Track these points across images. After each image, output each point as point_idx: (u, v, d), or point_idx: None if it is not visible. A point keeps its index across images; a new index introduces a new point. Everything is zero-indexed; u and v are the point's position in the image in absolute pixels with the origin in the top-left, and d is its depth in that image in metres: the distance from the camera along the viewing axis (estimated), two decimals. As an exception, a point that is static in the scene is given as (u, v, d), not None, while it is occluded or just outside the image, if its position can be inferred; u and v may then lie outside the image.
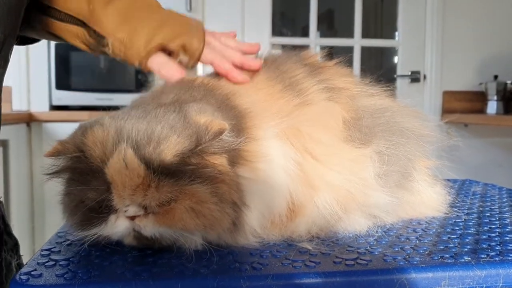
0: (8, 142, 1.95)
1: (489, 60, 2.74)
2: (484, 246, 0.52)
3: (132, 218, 0.46)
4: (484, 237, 0.56)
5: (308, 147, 0.56)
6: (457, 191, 0.84)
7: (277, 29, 2.73)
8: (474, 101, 2.75)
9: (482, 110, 2.71)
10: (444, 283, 0.45)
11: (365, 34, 2.73)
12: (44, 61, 2.26)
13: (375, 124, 0.59)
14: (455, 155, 0.71)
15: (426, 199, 0.65)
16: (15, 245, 0.68)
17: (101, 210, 0.46)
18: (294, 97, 0.58)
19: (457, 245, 0.52)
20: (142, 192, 0.45)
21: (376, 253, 0.49)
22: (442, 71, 2.72)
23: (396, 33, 2.78)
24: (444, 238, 0.55)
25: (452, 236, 0.56)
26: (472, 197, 0.80)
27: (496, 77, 2.67)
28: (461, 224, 0.62)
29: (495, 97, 2.64)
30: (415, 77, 2.73)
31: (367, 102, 0.62)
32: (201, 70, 2.43)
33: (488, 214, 0.68)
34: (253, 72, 0.63)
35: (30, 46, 2.15)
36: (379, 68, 3.01)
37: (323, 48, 2.64)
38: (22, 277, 0.43)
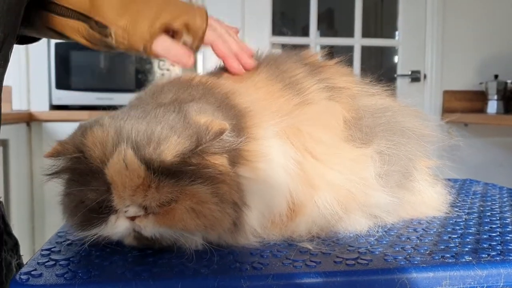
0: (8, 142, 1.95)
1: (489, 59, 2.74)
2: (485, 245, 0.52)
3: (132, 218, 0.46)
4: (485, 236, 0.56)
5: (308, 146, 0.56)
6: (458, 190, 0.84)
7: (277, 29, 2.73)
8: (474, 100, 2.75)
9: (482, 110, 2.71)
10: (445, 283, 0.45)
11: (365, 34, 2.73)
12: (44, 61, 2.26)
13: (376, 124, 0.59)
14: (455, 154, 0.70)
15: (427, 199, 0.65)
16: (15, 245, 0.68)
17: (101, 210, 0.46)
18: (294, 96, 0.58)
19: (458, 244, 0.52)
20: (143, 192, 0.44)
21: (377, 252, 0.49)
22: (442, 71, 2.72)
23: (396, 33, 2.78)
24: (445, 237, 0.55)
25: (453, 236, 0.56)
26: (473, 197, 0.80)
27: (496, 76, 2.67)
28: (462, 223, 0.62)
29: (496, 97, 2.63)
30: (415, 77, 2.73)
31: (368, 101, 0.62)
32: (201, 69, 2.41)
33: (489, 213, 0.68)
34: (245, 69, 0.63)
35: (30, 45, 2.14)
36: (379, 68, 3.00)
37: (323, 47, 2.64)
38: (22, 277, 0.42)
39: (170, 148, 0.45)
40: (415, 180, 0.62)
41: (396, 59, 2.81)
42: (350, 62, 0.68)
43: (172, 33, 0.62)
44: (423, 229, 0.59)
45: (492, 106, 2.64)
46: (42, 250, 0.50)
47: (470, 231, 0.58)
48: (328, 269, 0.44)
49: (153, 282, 0.41)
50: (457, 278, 0.45)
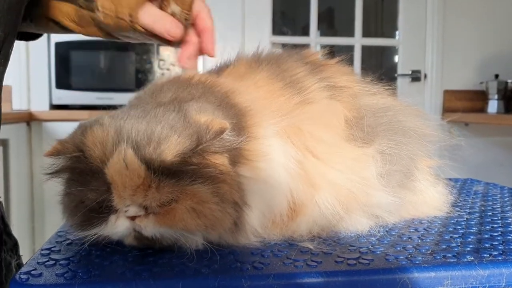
0: (8, 142, 1.95)
1: (490, 59, 2.74)
2: (486, 245, 0.52)
3: (133, 218, 0.46)
4: (487, 236, 0.55)
5: (309, 145, 0.55)
6: (459, 190, 0.84)
7: (278, 28, 2.73)
8: (475, 100, 2.75)
9: (482, 109, 2.71)
10: (447, 283, 0.44)
11: (366, 33, 2.73)
12: (44, 60, 2.26)
13: (377, 123, 0.59)
14: (456, 154, 0.70)
15: (428, 198, 0.64)
16: (15, 245, 0.68)
17: (101, 210, 0.46)
18: (295, 95, 0.58)
19: (459, 244, 0.52)
20: (143, 192, 0.44)
21: (378, 252, 0.49)
22: (442, 70, 2.72)
23: (397, 32, 2.78)
24: (446, 237, 0.55)
25: (454, 236, 0.56)
26: (474, 197, 0.80)
27: (497, 76, 2.67)
28: (463, 223, 0.62)
29: (496, 96, 2.64)
30: (415, 76, 2.73)
31: (369, 101, 0.62)
32: (200, 68, 2.42)
33: (490, 213, 0.68)
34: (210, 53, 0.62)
35: (30, 45, 2.13)
36: (380, 67, 3.00)
37: (323, 47, 2.64)
38: (22, 276, 0.42)
39: (171, 148, 0.45)
40: (417, 180, 0.62)
41: (396, 58, 2.81)
42: (350, 62, 0.68)
43: (160, 3, 0.60)
44: (424, 229, 0.59)
45: (493, 105, 2.64)
46: (42, 249, 0.50)
47: (472, 230, 0.58)
48: (329, 269, 0.44)
49: (153, 281, 0.41)
50: (459, 278, 0.45)
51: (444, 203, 0.67)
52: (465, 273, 0.45)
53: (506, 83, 2.64)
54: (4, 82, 0.62)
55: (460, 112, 2.55)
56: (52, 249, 0.50)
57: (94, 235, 0.47)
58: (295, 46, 0.72)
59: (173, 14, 0.59)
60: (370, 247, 0.51)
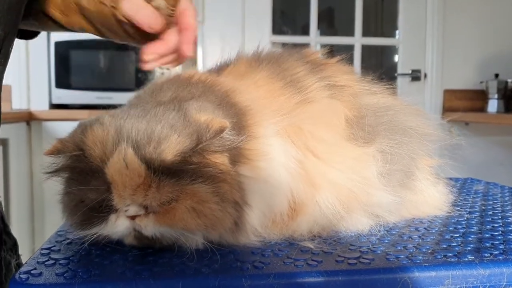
0: (8, 141, 1.95)
1: (490, 58, 2.74)
2: (487, 245, 0.52)
3: (133, 217, 0.46)
4: (487, 235, 0.55)
5: (309, 145, 0.55)
6: (459, 189, 0.84)
7: (277, 28, 2.72)
8: (475, 99, 2.75)
9: (483, 109, 2.71)
10: (448, 282, 0.44)
11: (366, 33, 2.72)
12: (44, 60, 2.26)
13: (378, 123, 0.59)
14: (456, 153, 0.70)
15: (429, 198, 0.64)
16: (14, 244, 0.67)
17: (101, 209, 0.46)
18: (295, 95, 0.58)
19: (460, 244, 0.52)
20: (143, 192, 0.44)
21: (379, 252, 0.49)
22: (442, 70, 2.72)
23: (397, 32, 2.78)
24: (447, 237, 0.55)
25: (455, 235, 0.55)
26: (474, 196, 0.80)
27: (497, 75, 2.67)
28: (463, 223, 0.62)
29: (496, 96, 2.63)
30: (415, 76, 2.73)
31: (370, 100, 0.62)
32: (200, 66, 2.41)
33: (491, 212, 0.68)
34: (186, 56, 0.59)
35: (30, 44, 2.13)
36: (380, 67, 3.00)
37: (323, 46, 2.64)
38: (22, 276, 0.42)
39: (171, 147, 0.45)
40: (417, 179, 0.62)
41: (396, 58, 2.81)
42: (350, 61, 0.68)
43: None
44: (425, 228, 0.58)
45: (493, 105, 2.64)
46: (42, 249, 0.50)
47: (472, 230, 0.58)
48: (329, 268, 0.44)
49: (153, 281, 0.41)
50: (460, 278, 0.45)
51: (444, 203, 0.67)
52: (466, 273, 0.45)
53: (506, 82, 2.64)
54: (4, 82, 0.62)
55: (460, 112, 2.55)
56: (52, 248, 0.50)
57: (94, 234, 0.47)
58: (295, 45, 0.72)
59: (157, 8, 0.58)
60: (370, 246, 0.51)
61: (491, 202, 0.75)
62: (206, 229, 0.46)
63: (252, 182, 0.50)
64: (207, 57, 2.48)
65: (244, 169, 0.49)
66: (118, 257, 0.47)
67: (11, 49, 0.60)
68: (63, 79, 2.27)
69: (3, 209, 0.68)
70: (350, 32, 2.69)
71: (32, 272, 0.43)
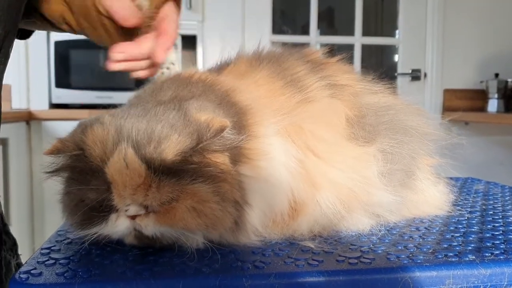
0: (7, 141, 1.95)
1: (490, 58, 2.74)
2: (488, 244, 0.52)
3: (133, 217, 0.46)
4: (488, 235, 0.55)
5: (310, 144, 0.55)
6: (460, 189, 0.84)
7: (277, 27, 2.72)
8: (475, 99, 2.75)
9: (483, 108, 2.71)
10: (449, 282, 0.44)
11: (366, 32, 2.72)
12: (43, 59, 2.26)
13: (379, 122, 0.59)
14: (457, 153, 0.70)
15: (430, 197, 0.64)
16: (14, 244, 0.67)
17: (102, 209, 0.46)
18: (296, 94, 0.58)
19: (461, 243, 0.52)
20: (143, 191, 0.44)
21: (380, 251, 0.49)
22: (442, 69, 2.72)
23: (397, 31, 2.78)
24: (447, 236, 0.55)
25: (456, 235, 0.55)
26: (475, 196, 0.80)
27: (497, 75, 2.67)
28: (464, 222, 0.62)
29: (496, 95, 2.64)
30: (415, 75, 2.73)
31: (370, 99, 0.61)
32: (201, 66, 2.42)
33: (491, 212, 0.68)
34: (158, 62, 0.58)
35: (30, 44, 2.12)
36: (380, 66, 3.00)
37: (323, 46, 2.64)
38: (22, 275, 0.42)
39: (171, 147, 0.45)
40: (418, 179, 0.62)
41: (396, 57, 2.81)
42: (350, 61, 0.68)
43: None
44: (425, 228, 0.58)
45: (493, 104, 2.64)
46: (42, 248, 0.50)
47: (473, 230, 0.58)
48: (330, 268, 0.44)
49: (154, 281, 0.41)
50: (461, 277, 0.44)
51: (445, 202, 0.67)
52: (467, 272, 0.45)
53: (506, 82, 2.64)
54: (4, 81, 0.61)
55: (460, 111, 2.55)
56: (52, 248, 0.50)
57: (94, 234, 0.47)
58: (295, 45, 0.72)
59: (139, 7, 0.56)
60: (371, 246, 0.51)
61: (491, 202, 0.75)
62: (206, 229, 0.46)
63: (252, 182, 0.49)
64: (207, 57, 2.48)
65: (244, 168, 0.49)
66: (118, 256, 0.47)
67: (11, 48, 0.59)
68: (63, 78, 2.27)
69: (3, 208, 0.68)
70: (350, 32, 2.69)
71: (32, 272, 0.43)
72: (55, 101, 2.27)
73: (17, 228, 1.92)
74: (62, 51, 2.25)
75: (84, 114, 2.04)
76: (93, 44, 0.66)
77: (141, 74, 0.59)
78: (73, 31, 0.62)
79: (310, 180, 0.54)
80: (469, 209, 0.69)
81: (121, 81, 2.33)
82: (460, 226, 0.59)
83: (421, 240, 0.53)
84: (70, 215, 0.48)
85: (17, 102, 2.28)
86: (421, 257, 0.47)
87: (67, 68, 2.27)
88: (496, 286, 0.45)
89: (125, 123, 0.47)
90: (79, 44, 2.24)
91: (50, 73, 2.27)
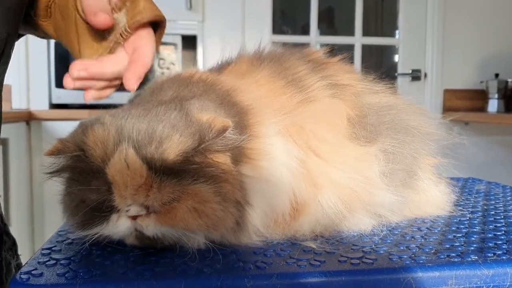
0: (7, 141, 1.94)
1: (490, 58, 2.74)
2: (490, 244, 0.51)
3: (134, 217, 0.45)
4: (490, 235, 0.55)
5: (311, 144, 0.55)
6: (461, 189, 0.84)
7: (278, 27, 2.72)
8: (475, 99, 2.75)
9: (483, 109, 2.71)
10: (451, 282, 0.44)
11: (366, 32, 2.72)
12: (43, 60, 2.25)
13: (380, 122, 0.59)
14: (457, 153, 0.70)
15: (431, 197, 0.64)
16: (13, 244, 0.67)
17: (103, 209, 0.46)
18: (297, 94, 0.58)
19: (463, 243, 0.52)
20: (144, 192, 0.44)
21: (382, 252, 0.49)
22: (443, 69, 2.72)
23: (397, 31, 2.78)
24: (449, 236, 0.55)
25: (458, 235, 0.55)
26: (476, 196, 0.80)
27: (497, 75, 2.67)
28: (466, 222, 0.61)
29: (496, 96, 2.63)
30: (415, 76, 2.73)
31: (372, 99, 0.61)
32: (201, 66, 2.41)
33: (493, 212, 0.67)
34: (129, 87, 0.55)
35: (30, 44, 2.12)
36: (380, 67, 3.00)
37: (323, 46, 2.63)
38: (23, 276, 0.42)
39: (173, 147, 0.44)
40: (420, 179, 0.62)
41: (396, 58, 2.81)
42: (350, 61, 0.68)
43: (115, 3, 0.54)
44: (427, 228, 0.58)
45: (493, 104, 2.64)
46: (42, 249, 0.50)
47: (475, 230, 0.58)
48: (332, 269, 0.44)
49: (155, 281, 0.41)
50: (463, 278, 0.44)
51: (446, 202, 0.67)
52: (470, 273, 0.44)
53: (506, 82, 2.64)
54: (4, 81, 0.61)
55: (460, 111, 2.55)
56: (53, 248, 0.50)
57: (95, 234, 0.46)
58: (295, 45, 0.72)
59: (116, 21, 0.54)
60: (373, 246, 0.50)
61: (493, 202, 0.75)
62: (207, 229, 0.46)
63: (254, 182, 0.49)
64: (207, 57, 2.47)
65: (246, 168, 0.49)
66: (119, 257, 0.47)
67: (12, 49, 0.59)
68: (63, 78, 2.26)
69: (3, 208, 0.68)
70: (350, 32, 2.69)
71: (33, 272, 0.43)
72: (55, 101, 2.27)
73: (17, 228, 1.91)
74: (62, 51, 2.24)
75: (84, 114, 2.04)
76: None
77: (93, 95, 0.56)
78: (51, 31, 0.60)
79: (311, 180, 0.54)
80: (470, 209, 0.69)
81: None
82: (462, 227, 0.59)
83: (423, 240, 0.53)
84: (71, 215, 0.48)
85: (17, 102, 2.28)
86: (423, 257, 0.47)
87: (67, 68, 2.26)
88: (499, 286, 0.45)
89: (126, 123, 0.46)
90: (79, 44, 2.24)
91: (50, 73, 2.26)
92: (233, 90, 0.56)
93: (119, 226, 0.46)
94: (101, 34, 0.54)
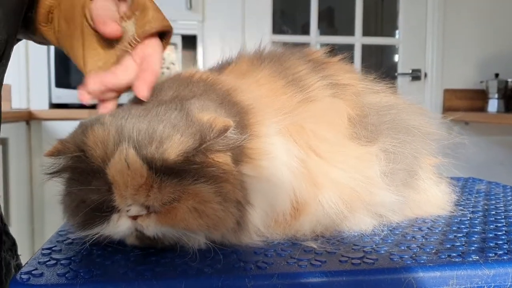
0: (7, 140, 1.94)
1: (490, 58, 2.74)
2: (491, 244, 0.51)
3: (135, 218, 0.45)
4: (491, 235, 0.55)
5: (312, 144, 0.55)
6: (461, 189, 0.84)
7: (278, 27, 2.72)
8: (475, 99, 2.75)
9: (483, 108, 2.71)
10: (452, 282, 0.44)
11: (366, 32, 2.72)
12: (43, 59, 2.25)
13: (381, 122, 0.59)
14: (458, 152, 0.70)
15: (432, 197, 0.64)
16: (13, 244, 0.67)
17: (103, 210, 0.45)
18: (297, 93, 0.58)
19: (464, 243, 0.52)
20: (145, 192, 0.44)
21: (382, 252, 0.49)
22: (443, 69, 2.72)
23: (397, 31, 2.78)
24: (450, 236, 0.55)
25: (459, 235, 0.55)
26: (477, 195, 0.80)
27: (497, 75, 2.67)
28: (466, 222, 0.61)
29: (496, 95, 2.63)
30: (416, 75, 2.73)
31: (372, 99, 0.61)
32: (201, 66, 2.41)
33: (494, 212, 0.67)
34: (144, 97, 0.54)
35: (30, 44, 2.12)
36: (380, 66, 3.00)
37: (323, 46, 2.63)
38: (23, 276, 0.42)
39: (173, 147, 0.44)
40: (420, 179, 0.62)
41: (396, 57, 2.81)
42: (350, 61, 0.68)
43: (124, 11, 0.54)
44: (428, 228, 0.58)
45: (493, 104, 2.64)
46: (43, 249, 0.50)
47: (476, 230, 0.58)
48: (333, 269, 0.44)
49: (156, 281, 0.41)
50: (464, 278, 0.44)
51: (447, 202, 0.67)
52: (471, 273, 0.44)
53: (506, 82, 2.64)
54: (4, 81, 0.61)
55: (460, 111, 2.55)
56: (53, 248, 0.50)
57: (96, 234, 0.46)
58: (295, 45, 0.72)
59: (124, 29, 0.54)
60: (374, 246, 0.50)
61: (493, 202, 0.74)
62: (208, 229, 0.46)
63: (254, 182, 0.49)
64: (207, 57, 2.47)
65: (246, 168, 0.49)
66: (120, 257, 0.47)
67: (12, 50, 0.59)
68: (63, 78, 2.26)
69: (2, 208, 0.67)
70: (350, 32, 2.69)
71: (33, 272, 0.43)
72: (55, 101, 2.26)
73: (16, 229, 1.91)
74: (62, 51, 2.24)
75: (84, 114, 2.03)
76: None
77: (111, 108, 0.55)
78: (50, 36, 0.60)
79: (312, 180, 0.54)
80: (471, 209, 0.69)
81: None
82: (463, 226, 0.59)
83: (424, 240, 0.53)
84: (71, 216, 0.48)
85: (17, 102, 2.27)
86: (424, 257, 0.47)
87: (67, 68, 2.26)
88: (500, 286, 0.45)
89: (126, 123, 0.46)
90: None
91: (50, 73, 2.26)
92: (234, 90, 0.56)
93: (119, 226, 0.46)
94: (108, 41, 0.54)
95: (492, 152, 2.69)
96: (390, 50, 2.98)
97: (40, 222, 2.16)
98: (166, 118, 0.47)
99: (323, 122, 0.57)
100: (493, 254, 0.48)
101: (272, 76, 0.60)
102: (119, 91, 0.55)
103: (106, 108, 0.54)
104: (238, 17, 2.52)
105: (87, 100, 0.53)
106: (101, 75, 0.53)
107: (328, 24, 3.04)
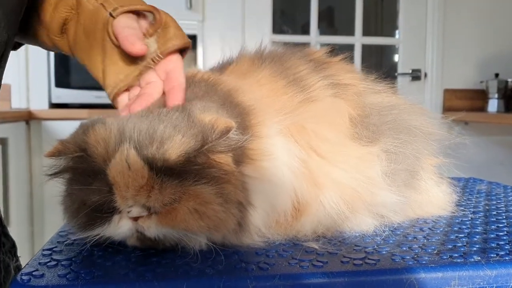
0: (7, 140, 1.94)
1: (490, 58, 2.73)
2: (493, 245, 0.51)
3: (135, 219, 0.45)
4: (492, 236, 0.55)
5: (313, 144, 0.55)
6: (462, 189, 0.84)
7: (278, 27, 2.72)
8: (475, 99, 2.75)
9: (483, 108, 2.71)
10: (454, 283, 0.44)
11: (366, 32, 2.72)
12: (43, 59, 2.25)
13: (382, 122, 0.58)
14: (458, 153, 0.70)
15: (433, 198, 0.64)
16: (13, 246, 0.67)
17: (104, 210, 0.45)
18: (298, 93, 0.57)
19: (465, 244, 0.52)
20: (146, 193, 0.44)
21: (384, 252, 0.49)
22: (443, 69, 2.71)
23: (397, 31, 2.78)
24: (452, 237, 0.54)
25: (460, 235, 0.55)
26: (478, 196, 0.79)
27: (497, 75, 2.67)
28: (468, 223, 0.61)
29: (496, 95, 2.63)
30: (416, 75, 2.72)
31: (374, 99, 0.61)
32: (201, 66, 2.41)
33: (495, 212, 0.67)
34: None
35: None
36: (380, 66, 3.00)
37: (323, 45, 2.63)
38: (24, 277, 0.42)
39: (174, 148, 0.44)
40: (422, 179, 0.62)
41: (396, 57, 2.80)
42: (350, 61, 0.68)
43: (146, 27, 0.56)
44: (429, 229, 0.58)
45: (493, 104, 2.64)
46: (43, 250, 0.50)
47: (477, 230, 0.57)
48: (335, 269, 0.43)
49: (157, 283, 0.40)
50: (466, 278, 0.44)
51: (448, 202, 0.66)
52: (473, 274, 0.44)
53: (506, 82, 2.63)
54: (3, 81, 0.61)
55: (460, 111, 2.54)
56: (54, 249, 0.50)
57: (96, 235, 0.46)
58: (295, 44, 0.71)
59: (147, 45, 0.55)
60: (375, 247, 0.50)
61: (494, 202, 0.74)
62: (209, 231, 0.46)
63: (256, 182, 0.49)
64: (207, 57, 2.47)
65: (247, 169, 0.49)
66: (121, 258, 0.47)
67: (10, 51, 0.59)
68: (63, 78, 2.26)
69: (2, 209, 0.67)
70: (350, 32, 2.69)
71: (34, 273, 0.43)
72: (55, 100, 2.26)
73: (16, 230, 1.91)
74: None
75: (84, 113, 2.03)
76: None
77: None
78: (63, 46, 0.61)
79: (313, 180, 0.54)
80: (472, 210, 0.69)
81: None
82: (464, 227, 0.59)
83: (425, 240, 0.53)
84: (71, 217, 0.48)
85: (16, 102, 2.27)
86: (426, 258, 0.47)
87: (67, 68, 2.26)
88: (502, 287, 0.44)
89: (127, 124, 0.46)
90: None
91: (50, 72, 2.26)
92: (235, 91, 0.55)
93: (120, 227, 0.46)
94: (131, 57, 0.55)
95: (492, 152, 2.69)
96: (390, 50, 2.98)
97: (40, 223, 2.16)
98: (167, 118, 0.47)
99: (324, 122, 0.56)
100: (495, 255, 0.48)
101: (273, 76, 0.60)
102: None
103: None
104: (238, 17, 2.51)
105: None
106: (137, 103, 0.53)
107: (328, 24, 3.04)
